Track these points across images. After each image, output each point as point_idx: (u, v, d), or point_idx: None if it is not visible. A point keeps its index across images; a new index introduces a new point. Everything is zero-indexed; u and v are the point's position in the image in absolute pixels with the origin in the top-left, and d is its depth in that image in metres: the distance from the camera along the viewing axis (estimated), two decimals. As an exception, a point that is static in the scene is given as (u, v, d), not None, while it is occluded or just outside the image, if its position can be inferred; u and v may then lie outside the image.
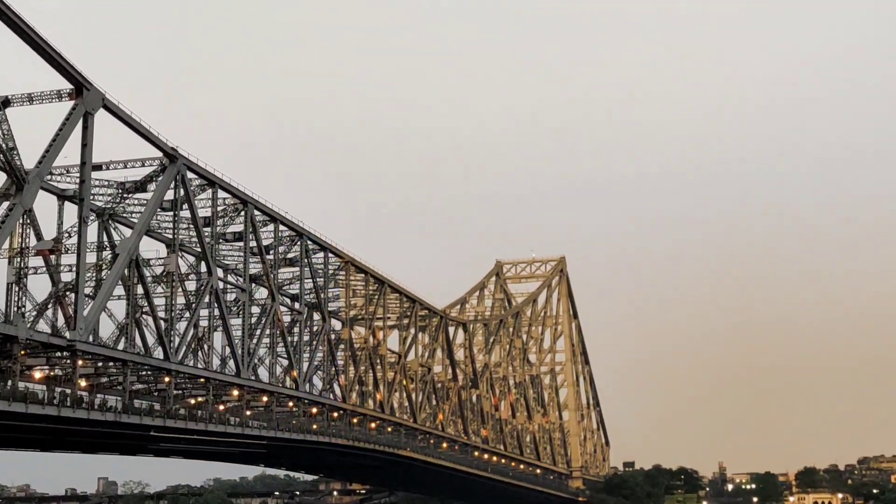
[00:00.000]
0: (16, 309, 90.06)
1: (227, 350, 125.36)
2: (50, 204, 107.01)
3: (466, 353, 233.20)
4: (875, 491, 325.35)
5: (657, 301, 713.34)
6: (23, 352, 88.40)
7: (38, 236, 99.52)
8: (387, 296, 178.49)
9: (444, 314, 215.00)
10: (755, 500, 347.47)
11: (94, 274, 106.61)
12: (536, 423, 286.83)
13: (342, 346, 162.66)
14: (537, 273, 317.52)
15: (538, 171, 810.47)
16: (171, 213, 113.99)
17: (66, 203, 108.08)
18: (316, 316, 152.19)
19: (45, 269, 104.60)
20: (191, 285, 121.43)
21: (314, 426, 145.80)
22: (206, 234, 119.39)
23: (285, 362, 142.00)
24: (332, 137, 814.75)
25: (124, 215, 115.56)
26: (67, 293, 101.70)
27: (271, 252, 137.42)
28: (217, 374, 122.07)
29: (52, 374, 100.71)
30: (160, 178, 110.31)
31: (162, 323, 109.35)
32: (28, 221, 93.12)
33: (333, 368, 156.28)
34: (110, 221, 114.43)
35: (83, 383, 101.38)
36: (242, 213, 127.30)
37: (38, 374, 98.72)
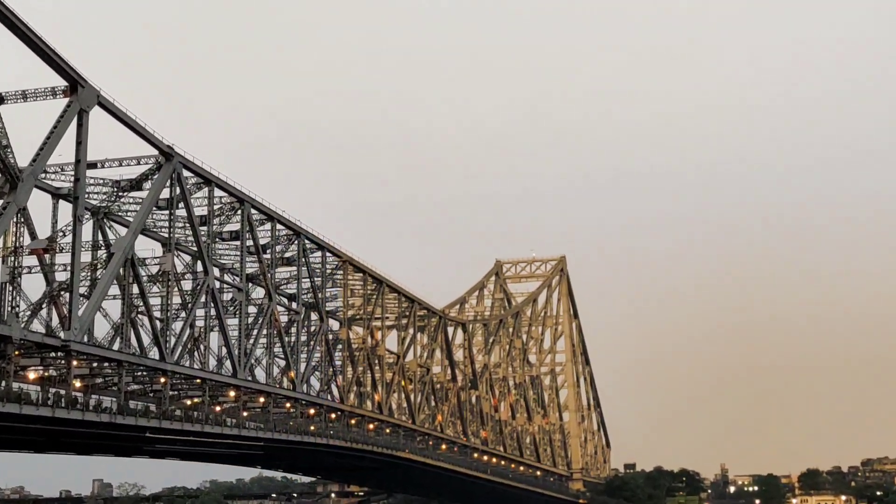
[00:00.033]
0: (10, 309, 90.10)
1: (224, 350, 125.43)
2: (44, 202, 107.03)
3: (466, 353, 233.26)
4: (879, 493, 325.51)
5: (658, 301, 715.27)
6: (17, 352, 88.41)
7: (33, 235, 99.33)
8: (385, 295, 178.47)
9: (443, 314, 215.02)
10: (757, 502, 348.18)
11: (88, 273, 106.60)
12: (536, 425, 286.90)
13: (340, 347, 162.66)
14: (537, 272, 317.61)
15: (538, 170, 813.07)
16: (167, 212, 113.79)
17: (61, 201, 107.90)
18: (313, 316, 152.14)
19: (39, 268, 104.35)
20: (187, 285, 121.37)
21: (312, 427, 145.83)
22: (203, 232, 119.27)
23: (282, 363, 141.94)
24: (331, 136, 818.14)
25: (119, 214, 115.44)
26: (62, 293, 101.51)
27: (268, 251, 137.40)
28: (213, 374, 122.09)
29: (46, 374, 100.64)
30: (156, 177, 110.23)
31: (158, 323, 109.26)
32: (22, 220, 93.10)
33: (331, 369, 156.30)
34: (105, 220, 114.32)
35: (78, 384, 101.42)
36: (239, 211, 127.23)
37: (32, 375, 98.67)
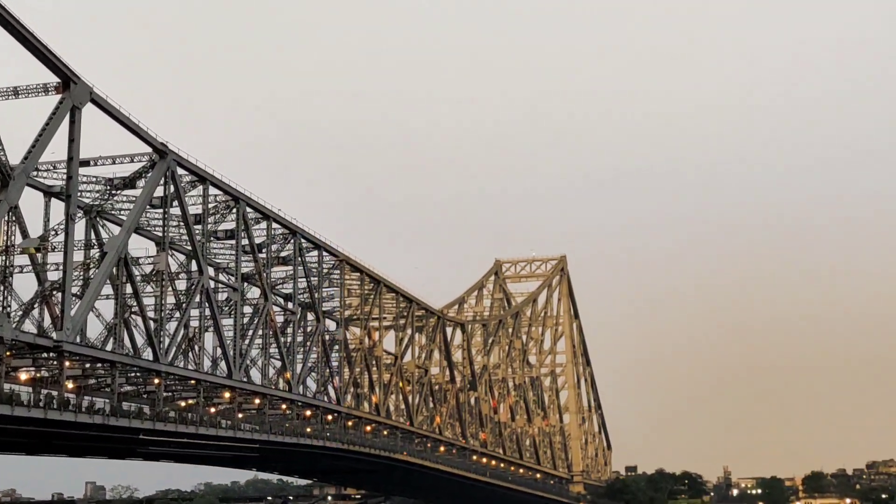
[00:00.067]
0: (1, 309, 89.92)
1: (219, 351, 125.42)
2: (36, 201, 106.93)
3: (464, 354, 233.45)
4: (884, 496, 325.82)
5: (659, 301, 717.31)
6: (8, 353, 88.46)
7: (24, 234, 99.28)
8: (383, 295, 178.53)
9: (441, 314, 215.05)
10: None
11: (81, 273, 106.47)
12: (536, 427, 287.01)
13: (337, 347, 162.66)
14: (537, 272, 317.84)
15: (538, 169, 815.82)
16: (161, 211, 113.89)
17: (53, 200, 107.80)
18: (310, 316, 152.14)
19: (31, 267, 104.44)
20: (181, 284, 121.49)
21: (308, 429, 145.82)
22: (197, 231, 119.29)
23: (278, 364, 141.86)
24: (330, 136, 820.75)
25: (113, 212, 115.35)
26: (54, 292, 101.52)
27: (264, 250, 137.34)
28: (208, 375, 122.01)
29: (38, 375, 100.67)
30: (149, 175, 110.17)
31: (151, 323, 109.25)
32: (13, 219, 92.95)
33: (328, 370, 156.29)
34: (98, 219, 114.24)
35: (70, 385, 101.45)
36: (234, 210, 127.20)
37: (23, 376, 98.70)
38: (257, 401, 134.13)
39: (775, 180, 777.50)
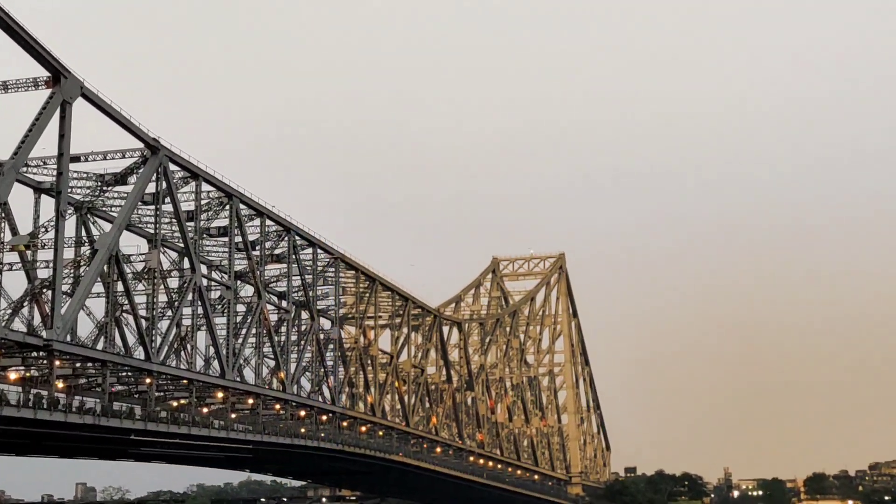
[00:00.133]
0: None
1: (212, 350, 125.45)
2: (26, 197, 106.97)
3: (461, 353, 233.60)
4: (887, 498, 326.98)
5: (660, 300, 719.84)
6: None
7: (14, 231, 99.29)
8: (378, 294, 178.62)
9: (438, 313, 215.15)
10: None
11: (71, 270, 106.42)
12: (534, 427, 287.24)
13: (331, 347, 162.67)
14: (535, 270, 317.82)
15: (538, 170, 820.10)
16: (153, 207, 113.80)
17: (43, 196, 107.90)
18: (304, 314, 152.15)
19: (20, 265, 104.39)
20: (173, 282, 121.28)
21: (302, 430, 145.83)
22: (190, 228, 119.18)
23: (272, 363, 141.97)
24: (330, 135, 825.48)
25: (104, 209, 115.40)
26: (44, 290, 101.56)
27: (257, 248, 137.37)
28: (200, 375, 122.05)
29: (27, 374, 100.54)
30: (141, 171, 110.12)
31: (143, 322, 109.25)
32: (3, 215, 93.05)
33: (322, 369, 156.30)
34: (89, 215, 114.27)
35: (60, 385, 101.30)
36: (227, 206, 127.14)
37: (13, 375, 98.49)
38: (251, 401, 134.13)
39: (775, 180, 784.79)
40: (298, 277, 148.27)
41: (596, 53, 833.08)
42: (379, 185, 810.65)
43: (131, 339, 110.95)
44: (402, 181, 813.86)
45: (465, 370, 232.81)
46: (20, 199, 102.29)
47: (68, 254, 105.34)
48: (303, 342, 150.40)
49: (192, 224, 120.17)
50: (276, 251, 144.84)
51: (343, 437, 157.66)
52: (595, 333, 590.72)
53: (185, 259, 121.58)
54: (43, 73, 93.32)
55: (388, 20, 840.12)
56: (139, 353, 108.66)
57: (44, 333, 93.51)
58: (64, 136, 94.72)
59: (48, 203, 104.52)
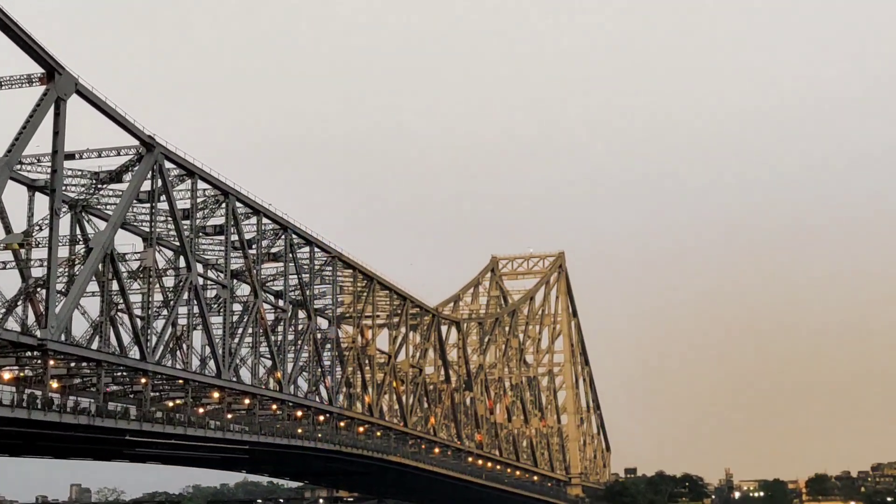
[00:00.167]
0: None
1: (207, 350, 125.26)
2: (20, 195, 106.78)
3: (460, 353, 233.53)
4: (889, 499, 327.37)
5: (660, 300, 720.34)
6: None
7: (7, 229, 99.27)
8: (376, 293, 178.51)
9: (436, 312, 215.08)
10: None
11: (66, 269, 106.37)
12: (533, 428, 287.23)
13: (329, 346, 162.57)
14: (535, 269, 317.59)
15: (538, 170, 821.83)
16: (148, 205, 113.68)
17: (37, 194, 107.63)
18: (301, 314, 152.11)
19: (14, 263, 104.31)
20: (169, 281, 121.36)
21: (299, 430, 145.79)
22: (185, 227, 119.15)
23: (269, 363, 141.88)
24: (330, 136, 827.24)
25: (98, 207, 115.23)
26: (38, 289, 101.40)
27: (254, 246, 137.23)
28: (196, 375, 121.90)
29: (21, 374, 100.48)
30: (136, 168, 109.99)
31: (138, 321, 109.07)
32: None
33: (319, 369, 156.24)
34: (83, 213, 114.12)
35: (55, 385, 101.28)
36: (223, 205, 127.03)
37: (6, 375, 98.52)
38: (247, 401, 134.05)
39: (776, 181, 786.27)
40: (295, 276, 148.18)
41: (596, 54, 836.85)
42: (378, 185, 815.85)
43: (126, 338, 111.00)
44: (401, 181, 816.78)
45: (464, 370, 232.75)
46: (14, 196, 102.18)
47: (63, 252, 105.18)
48: (300, 342, 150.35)
49: (187, 222, 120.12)
50: (273, 250, 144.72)
51: (340, 438, 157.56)
52: (595, 333, 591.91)
53: (181, 258, 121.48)
54: (37, 70, 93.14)
55: (387, 22, 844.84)
56: (134, 353, 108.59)
57: (38, 333, 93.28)
58: (58, 133, 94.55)
59: (42, 201, 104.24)
